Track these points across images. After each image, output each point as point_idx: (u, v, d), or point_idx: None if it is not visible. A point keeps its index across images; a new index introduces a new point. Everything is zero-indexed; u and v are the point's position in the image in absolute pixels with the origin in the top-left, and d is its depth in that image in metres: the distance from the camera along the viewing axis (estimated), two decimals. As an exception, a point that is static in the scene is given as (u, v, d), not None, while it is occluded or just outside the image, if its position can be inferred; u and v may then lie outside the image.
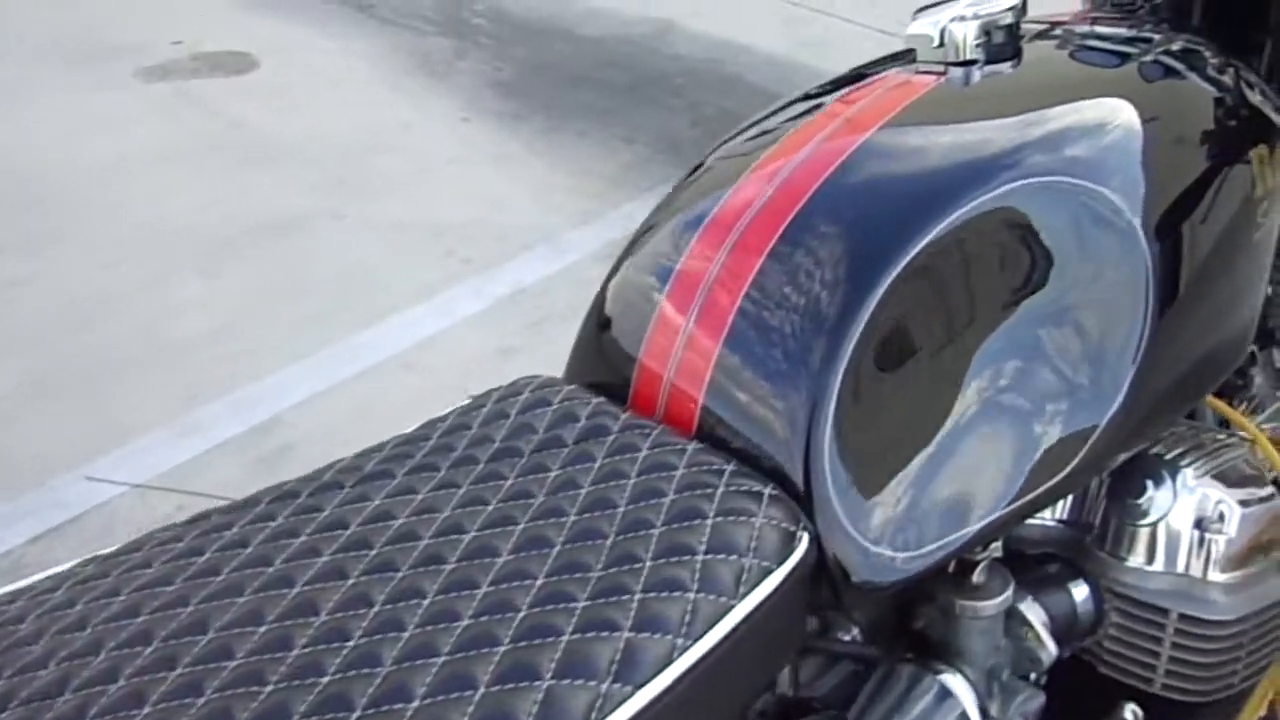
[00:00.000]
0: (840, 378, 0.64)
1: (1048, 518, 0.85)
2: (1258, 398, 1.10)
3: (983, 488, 0.67)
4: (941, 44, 0.79)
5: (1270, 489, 0.85)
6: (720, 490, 0.60)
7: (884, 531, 0.64)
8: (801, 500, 0.62)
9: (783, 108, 0.83)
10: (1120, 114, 0.76)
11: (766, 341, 0.66)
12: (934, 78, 0.79)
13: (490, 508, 0.61)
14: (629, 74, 3.44)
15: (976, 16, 0.79)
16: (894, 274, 0.66)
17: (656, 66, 3.52)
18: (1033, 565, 0.82)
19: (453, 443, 0.68)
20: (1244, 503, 0.81)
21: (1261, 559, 0.82)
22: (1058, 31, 0.89)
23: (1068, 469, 0.70)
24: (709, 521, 0.57)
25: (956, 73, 0.79)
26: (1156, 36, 0.89)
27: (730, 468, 0.62)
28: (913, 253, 0.66)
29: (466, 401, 0.73)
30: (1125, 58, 0.85)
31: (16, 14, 3.95)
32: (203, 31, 3.75)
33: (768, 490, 0.60)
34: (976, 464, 0.67)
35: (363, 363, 2.21)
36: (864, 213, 0.69)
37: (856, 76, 0.83)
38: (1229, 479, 0.82)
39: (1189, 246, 0.77)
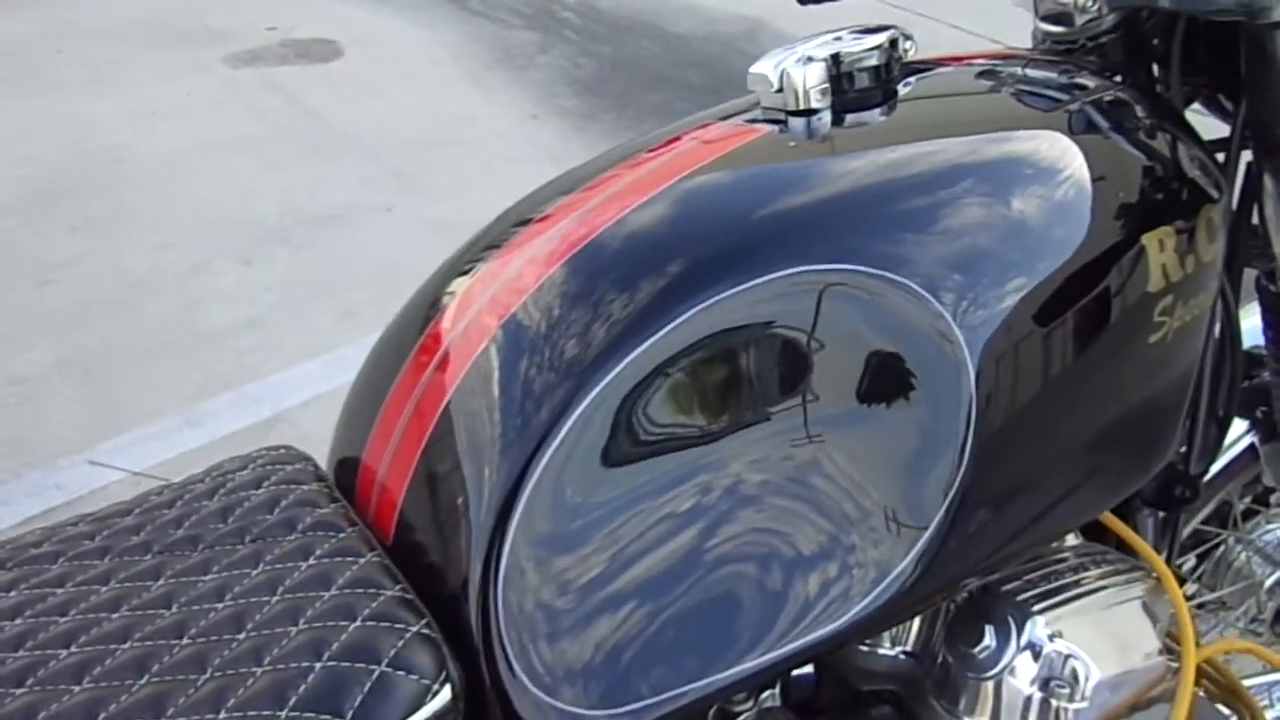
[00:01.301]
0: (523, 502, 0.55)
1: (889, 647, 0.72)
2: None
3: (727, 633, 0.56)
4: (781, 89, 0.67)
5: (1154, 645, 0.70)
6: (356, 625, 0.51)
7: (574, 685, 0.54)
8: (468, 640, 0.53)
9: (605, 156, 0.73)
10: (971, 188, 0.64)
11: (459, 454, 0.58)
12: (756, 130, 0.67)
13: (157, 584, 0.56)
14: (711, 75, 3.34)
15: (829, 58, 0.67)
16: (600, 383, 0.56)
17: (740, 68, 3.39)
18: (859, 704, 0.71)
19: (151, 515, 0.62)
20: (1107, 663, 0.67)
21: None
22: (958, 74, 0.75)
23: (854, 612, 0.58)
24: (319, 667, 0.49)
25: (796, 124, 0.67)
26: (1087, 84, 0.75)
27: (389, 593, 0.53)
28: (628, 358, 0.56)
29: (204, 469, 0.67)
30: (1026, 112, 0.72)
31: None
32: (299, 18, 3.82)
33: (416, 628, 0.52)
34: (715, 605, 0.56)
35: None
36: (575, 315, 0.59)
37: (693, 124, 0.73)
38: (1097, 630, 0.69)
39: (1034, 356, 0.63)
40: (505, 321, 0.61)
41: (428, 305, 0.67)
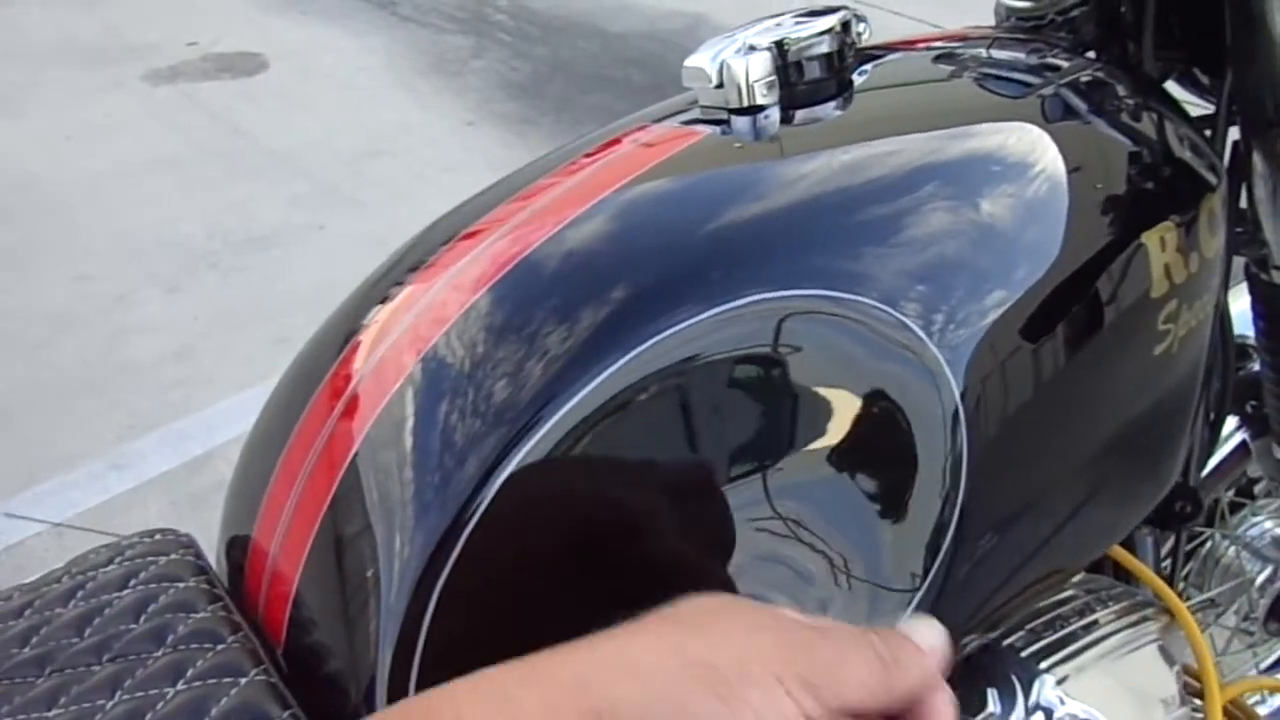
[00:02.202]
0: (442, 586, 0.45)
1: None
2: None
3: None
4: (721, 84, 0.57)
5: (1174, 690, 0.62)
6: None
7: None
8: None
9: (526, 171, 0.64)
10: (941, 190, 0.55)
11: (366, 525, 0.48)
12: (696, 133, 0.58)
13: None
14: (652, 73, 3.24)
15: (774, 45, 0.57)
16: (534, 435, 0.46)
17: (680, 65, 3.32)
18: None
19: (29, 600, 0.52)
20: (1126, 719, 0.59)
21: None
22: (918, 60, 0.67)
23: None
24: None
25: (740, 124, 0.58)
26: (1060, 64, 0.67)
27: (279, 720, 0.43)
28: (564, 407, 0.47)
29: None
30: (996, 100, 0.64)
31: (33, 15, 3.93)
32: (221, 31, 3.67)
33: None
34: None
35: (314, 392, 2.07)
36: (504, 351, 0.49)
37: (630, 126, 0.63)
38: (1112, 682, 0.60)
39: (1028, 379, 0.55)
40: (424, 357, 0.51)
41: (335, 339, 0.57)
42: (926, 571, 0.51)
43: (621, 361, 0.47)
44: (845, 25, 0.59)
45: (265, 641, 0.49)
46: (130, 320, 2.30)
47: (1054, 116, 0.61)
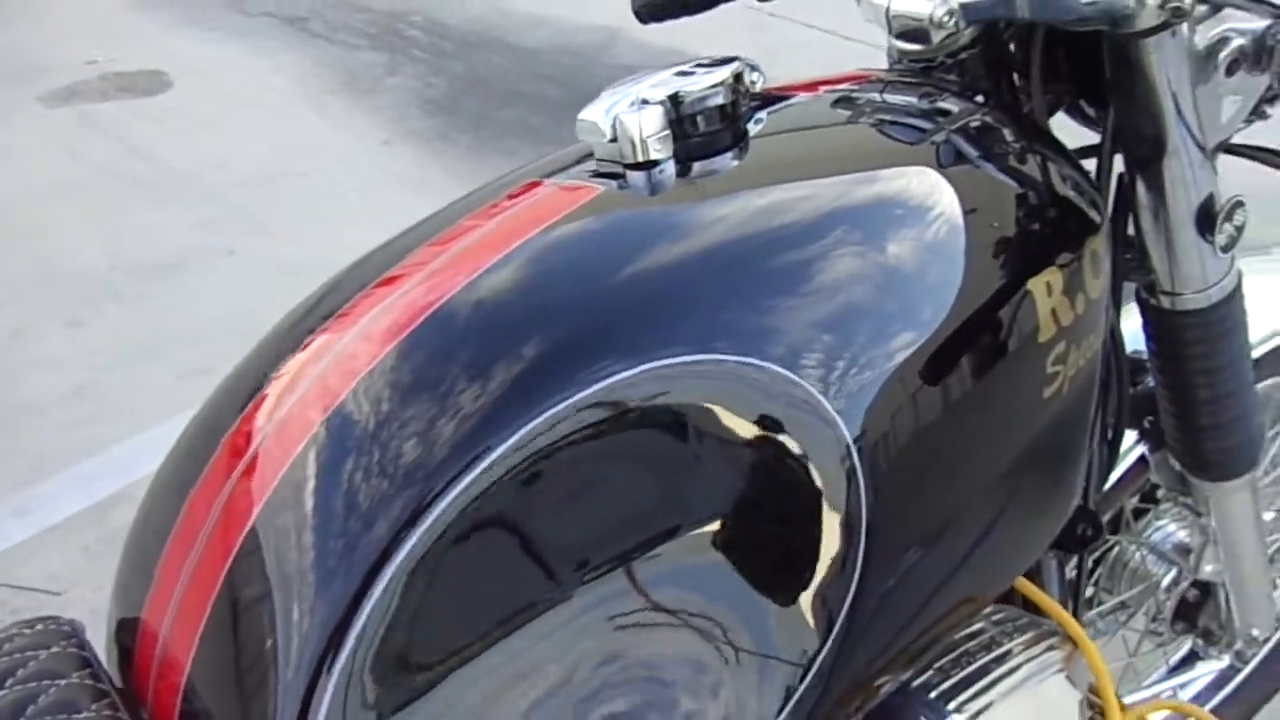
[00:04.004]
0: (342, 663, 0.42)
1: None
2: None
3: None
4: (615, 138, 0.57)
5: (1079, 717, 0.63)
6: None
7: None
8: None
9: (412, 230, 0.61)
10: (834, 243, 0.55)
11: (262, 598, 0.45)
12: (592, 189, 0.57)
13: None
14: (567, 88, 3.22)
15: (667, 99, 0.57)
16: (442, 501, 0.44)
17: (598, 79, 3.30)
18: None
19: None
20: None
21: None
22: (812, 106, 0.67)
23: None
24: None
25: (636, 179, 0.57)
26: (951, 108, 0.67)
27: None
28: (467, 476, 0.45)
29: None
30: (889, 146, 0.63)
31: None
32: (122, 49, 3.55)
33: None
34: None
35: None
36: (395, 434, 0.48)
37: (517, 184, 0.61)
38: (1021, 714, 0.61)
39: (921, 427, 0.55)
40: (330, 414, 0.49)
41: (239, 393, 0.55)
42: (833, 622, 0.51)
43: (522, 431, 0.47)
44: (738, 76, 0.59)
45: None
46: (29, 356, 2.20)
47: (947, 162, 0.62)
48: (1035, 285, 0.60)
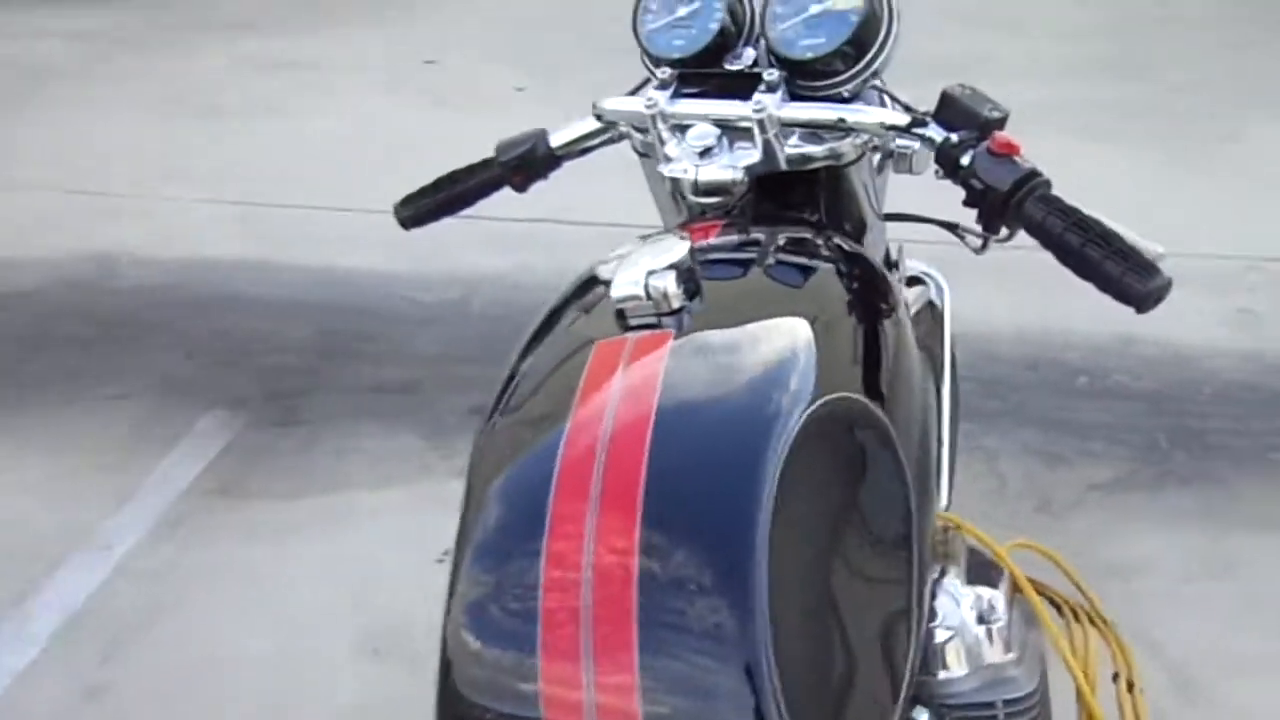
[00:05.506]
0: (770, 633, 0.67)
1: None
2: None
3: (884, 677, 0.75)
4: (650, 297, 0.83)
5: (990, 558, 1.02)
6: None
7: None
8: None
9: (528, 396, 0.84)
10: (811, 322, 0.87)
11: (686, 650, 0.66)
12: (665, 334, 0.83)
13: None
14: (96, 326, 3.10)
15: (670, 267, 0.84)
16: (766, 516, 0.70)
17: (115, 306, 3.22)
18: None
19: None
20: (995, 586, 0.97)
21: (1023, 627, 0.98)
22: (723, 252, 0.99)
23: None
24: None
25: (670, 321, 0.84)
26: (779, 240, 1.03)
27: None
28: (769, 498, 0.71)
29: None
30: (785, 268, 0.98)
31: None
32: None
33: None
34: (876, 654, 0.76)
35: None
36: (710, 473, 0.73)
37: (571, 353, 0.86)
38: (975, 572, 0.97)
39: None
40: (643, 513, 0.70)
41: (507, 534, 0.74)
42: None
43: (804, 417, 0.77)
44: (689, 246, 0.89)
45: None
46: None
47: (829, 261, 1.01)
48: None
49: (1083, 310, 2.81)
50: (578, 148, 1.23)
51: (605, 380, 0.79)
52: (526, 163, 1.24)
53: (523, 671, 0.67)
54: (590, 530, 0.69)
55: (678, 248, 0.86)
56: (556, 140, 1.23)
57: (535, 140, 1.24)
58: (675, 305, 0.84)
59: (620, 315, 0.85)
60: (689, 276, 0.86)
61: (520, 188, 1.27)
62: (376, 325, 2.99)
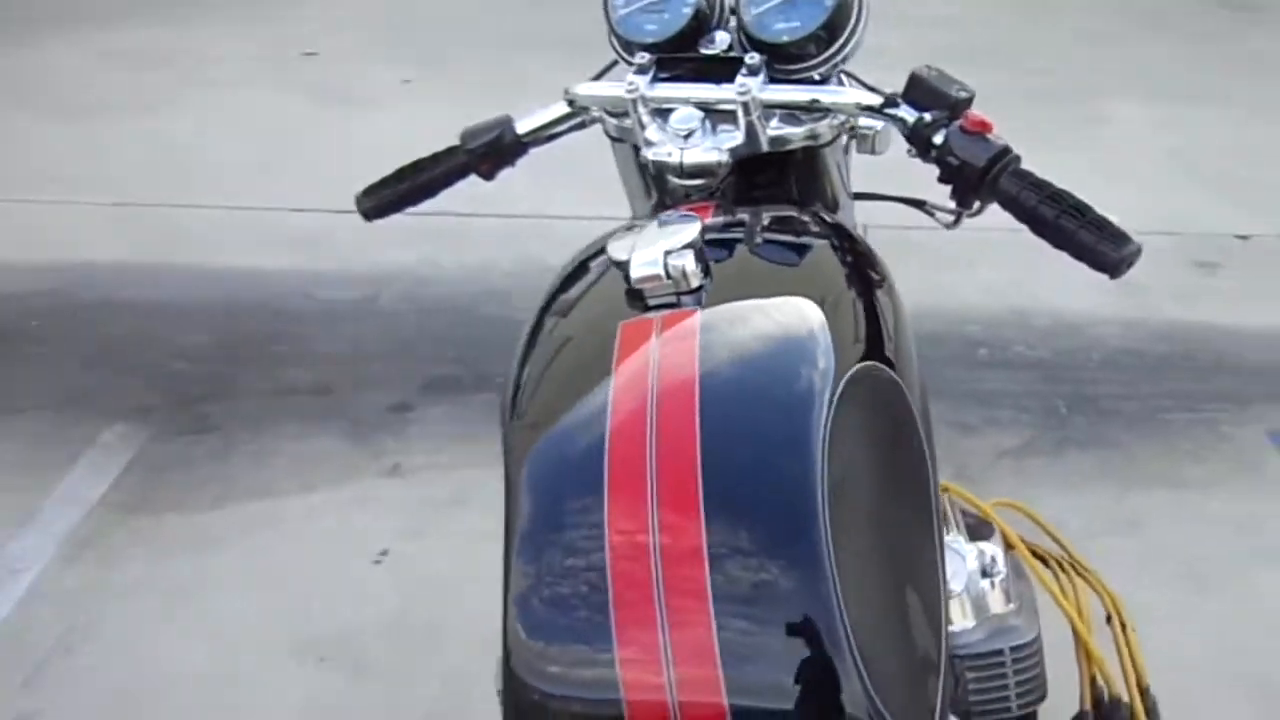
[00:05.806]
0: (839, 585, 0.69)
1: None
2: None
3: (932, 634, 0.78)
4: (669, 277, 0.85)
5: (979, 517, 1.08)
6: None
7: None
8: None
9: (558, 384, 0.84)
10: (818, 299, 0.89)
11: (762, 616, 0.68)
12: (690, 310, 0.85)
13: None
14: None
15: (686, 246, 0.85)
16: (822, 482, 0.73)
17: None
18: None
19: None
20: (991, 540, 1.02)
21: (1018, 578, 1.04)
22: (722, 231, 1.00)
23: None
24: None
25: (690, 299, 0.85)
26: (772, 218, 1.05)
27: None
28: (821, 469, 0.73)
29: None
30: (785, 245, 1.01)
31: None
32: None
33: None
34: (921, 611, 0.79)
35: None
36: (764, 446, 0.74)
37: (593, 336, 0.86)
38: (972, 529, 1.03)
39: None
40: (704, 482, 0.72)
41: (566, 532, 0.73)
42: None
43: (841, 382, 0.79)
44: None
45: None
46: None
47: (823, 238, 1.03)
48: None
49: (969, 284, 2.96)
50: (545, 134, 1.23)
51: (640, 360, 0.80)
52: (494, 150, 1.22)
53: (598, 655, 0.68)
54: (652, 508, 0.70)
55: (691, 227, 0.88)
56: (523, 127, 1.22)
57: (502, 127, 1.22)
58: (694, 284, 0.85)
59: (636, 295, 0.86)
60: (702, 255, 0.87)
61: (488, 176, 1.25)
62: (281, 324, 2.90)
